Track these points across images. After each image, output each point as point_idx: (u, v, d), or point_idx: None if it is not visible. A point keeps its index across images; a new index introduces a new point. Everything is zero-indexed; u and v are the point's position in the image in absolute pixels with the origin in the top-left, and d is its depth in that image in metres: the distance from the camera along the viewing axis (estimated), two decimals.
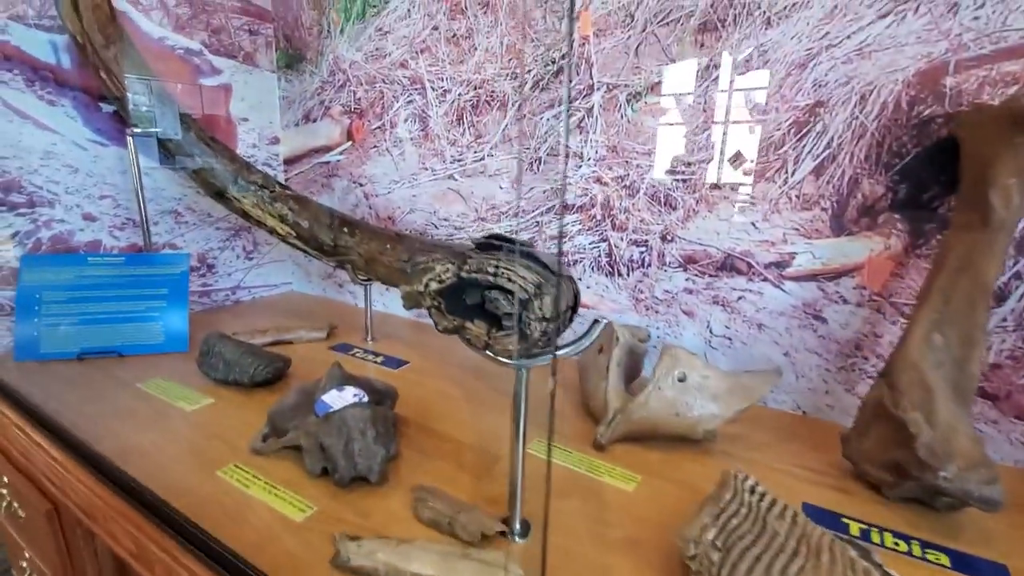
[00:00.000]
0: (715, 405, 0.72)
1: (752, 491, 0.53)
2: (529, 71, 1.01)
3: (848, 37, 0.74)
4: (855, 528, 0.60)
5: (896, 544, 0.58)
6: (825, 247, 0.81)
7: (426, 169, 1.19)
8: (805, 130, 0.79)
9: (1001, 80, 0.67)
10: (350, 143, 1.30)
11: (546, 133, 1.01)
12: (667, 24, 0.87)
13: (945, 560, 0.56)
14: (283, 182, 1.16)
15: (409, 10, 1.13)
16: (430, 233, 1.21)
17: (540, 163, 1.03)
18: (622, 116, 0.93)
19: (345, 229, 1.08)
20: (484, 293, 0.45)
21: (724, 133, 0.85)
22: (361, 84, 1.24)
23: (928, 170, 0.73)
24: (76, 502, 0.71)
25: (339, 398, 0.71)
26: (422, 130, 1.18)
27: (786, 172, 0.81)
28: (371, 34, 1.20)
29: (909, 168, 0.74)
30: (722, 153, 0.85)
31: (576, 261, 1.02)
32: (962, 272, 0.63)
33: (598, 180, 0.97)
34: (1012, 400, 0.71)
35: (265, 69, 1.36)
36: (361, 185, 1.31)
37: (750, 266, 0.86)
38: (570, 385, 0.96)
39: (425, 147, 1.18)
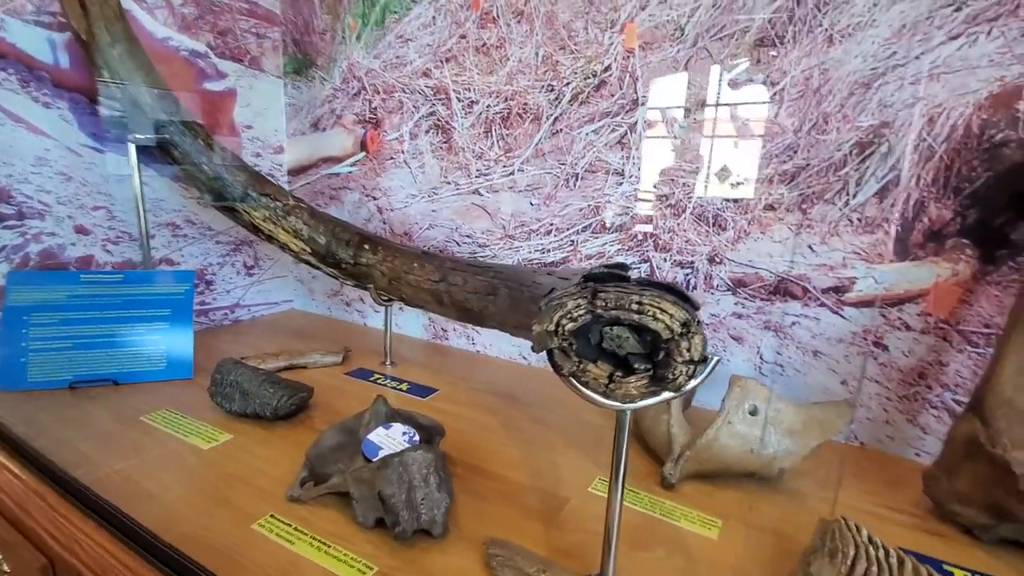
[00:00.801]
0: (790, 441, 0.68)
1: (873, 543, 0.49)
2: (567, 83, 0.97)
3: (917, 58, 0.72)
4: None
5: None
6: (888, 272, 0.78)
7: (449, 183, 1.13)
8: (869, 151, 0.76)
9: None
10: (364, 154, 1.23)
11: (584, 148, 0.97)
12: (721, 39, 0.84)
13: None
14: (295, 195, 1.08)
15: (435, 18, 1.08)
16: (451, 250, 1.15)
17: (577, 179, 0.99)
18: (669, 132, 0.90)
19: (366, 246, 1.01)
20: (603, 330, 0.39)
21: (778, 153, 0.82)
22: (378, 93, 1.18)
23: (1000, 195, 0.71)
24: (80, 558, 0.62)
25: (388, 437, 0.64)
26: (445, 142, 1.12)
27: (847, 194, 0.79)
28: (391, 41, 1.15)
29: (979, 193, 0.72)
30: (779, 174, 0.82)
31: None
32: None
33: (640, 198, 0.93)
34: None
35: (271, 74, 1.29)
36: (375, 198, 1.24)
37: (806, 290, 0.83)
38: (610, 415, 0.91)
39: (448, 160, 1.12)
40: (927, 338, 0.77)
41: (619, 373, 0.38)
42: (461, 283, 0.87)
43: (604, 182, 0.96)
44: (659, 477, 0.71)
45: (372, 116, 1.20)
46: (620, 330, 0.39)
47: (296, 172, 1.35)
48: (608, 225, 0.97)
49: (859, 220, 0.78)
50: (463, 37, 1.06)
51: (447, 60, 1.08)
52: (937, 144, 0.73)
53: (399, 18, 1.13)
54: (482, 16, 1.03)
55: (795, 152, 0.81)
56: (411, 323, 1.24)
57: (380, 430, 0.66)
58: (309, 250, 1.04)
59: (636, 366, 0.38)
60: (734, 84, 0.83)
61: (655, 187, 0.92)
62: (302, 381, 0.88)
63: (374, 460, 0.61)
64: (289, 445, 0.75)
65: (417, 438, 0.65)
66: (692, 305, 0.37)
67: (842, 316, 0.81)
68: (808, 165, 0.80)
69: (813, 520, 0.63)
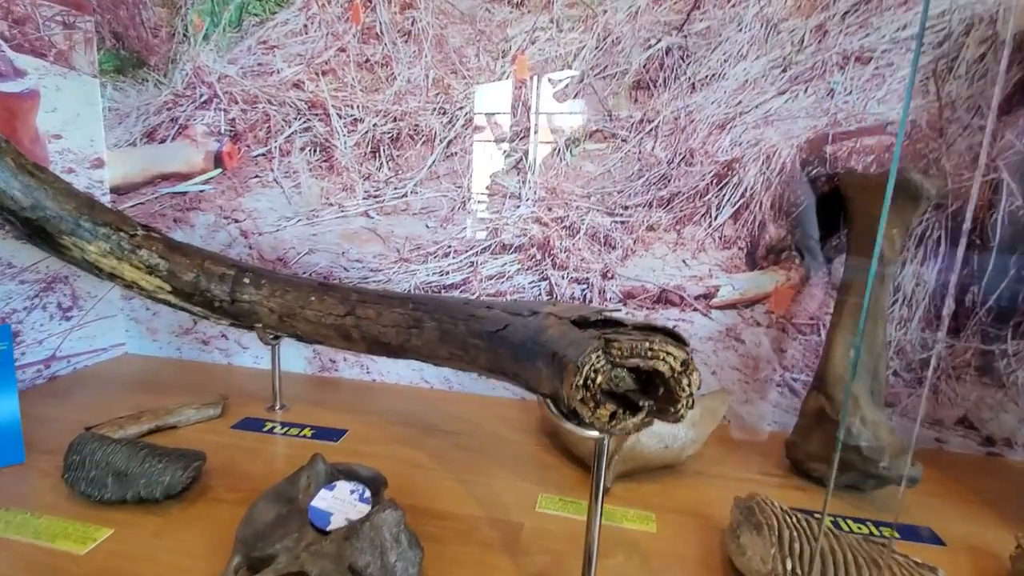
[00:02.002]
0: (693, 431, 0.80)
1: (787, 514, 0.61)
2: (460, 108, 0.97)
3: (756, 107, 0.89)
4: (828, 522, 0.73)
5: (860, 528, 0.71)
6: (742, 280, 0.95)
7: (332, 205, 1.06)
8: (724, 181, 0.92)
9: (863, 150, 0.88)
10: (220, 171, 1.08)
11: (480, 172, 0.99)
12: (604, 78, 0.92)
13: (895, 534, 0.71)
14: (147, 224, 0.91)
15: (307, 26, 1.00)
16: (337, 276, 1.08)
17: (473, 202, 1.00)
18: (561, 159, 0.96)
19: (246, 280, 0.90)
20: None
21: (658, 180, 0.94)
22: (236, 102, 1.05)
23: (815, 217, 0.91)
24: None
25: (336, 500, 0.59)
26: (325, 161, 1.04)
27: (710, 216, 0.94)
28: (251, 46, 1.02)
29: (802, 215, 0.91)
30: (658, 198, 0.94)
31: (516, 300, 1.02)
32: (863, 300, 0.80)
33: (538, 220, 0.99)
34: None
35: (84, 72, 1.06)
36: (237, 221, 1.10)
37: (682, 298, 0.97)
38: (530, 428, 0.95)
39: (331, 180, 1.05)
40: (771, 331, 0.96)
41: (623, 411, 0.42)
42: (374, 316, 0.83)
43: (502, 205, 1.00)
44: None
45: (230, 128, 1.06)
46: (619, 371, 0.43)
47: (123, 191, 1.13)
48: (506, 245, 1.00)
49: (720, 238, 0.94)
50: (342, 50, 0.99)
51: (323, 73, 1.01)
52: (773, 177, 0.91)
53: (260, 21, 1.01)
54: (364, 31, 0.98)
55: (669, 181, 0.94)
56: (291, 357, 1.13)
57: (324, 492, 0.60)
58: (169, 288, 0.89)
59: (640, 403, 0.42)
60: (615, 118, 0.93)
61: (550, 209, 0.98)
62: (191, 448, 0.75)
63: (329, 529, 0.56)
64: (197, 529, 0.64)
65: (368, 494, 0.61)
66: (685, 344, 0.43)
67: (710, 318, 0.97)
68: (680, 192, 0.94)
69: (722, 496, 0.76)
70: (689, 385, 0.41)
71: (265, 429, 0.90)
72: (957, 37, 0.83)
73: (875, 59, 0.85)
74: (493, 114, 0.97)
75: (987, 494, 0.81)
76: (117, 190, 1.12)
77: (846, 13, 0.85)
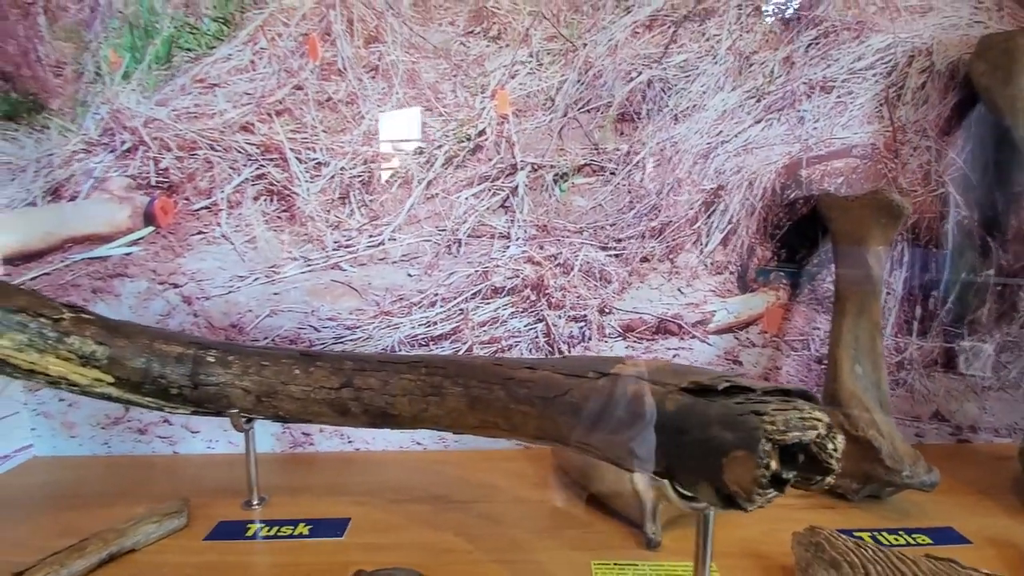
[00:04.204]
0: None
1: (856, 544, 0.60)
2: (439, 146, 0.91)
3: (736, 135, 0.92)
4: (866, 537, 0.74)
5: (896, 539, 0.73)
6: (736, 303, 0.96)
7: (295, 259, 0.94)
8: (712, 208, 0.93)
9: (833, 173, 0.93)
10: (151, 229, 0.92)
11: (465, 213, 0.93)
12: (588, 111, 0.91)
13: (928, 540, 0.73)
14: (71, 302, 0.75)
15: (254, 62, 0.88)
16: (306, 337, 0.96)
17: (460, 245, 0.93)
18: (550, 196, 0.93)
19: (211, 358, 0.76)
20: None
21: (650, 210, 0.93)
22: (169, 149, 0.90)
23: (797, 238, 0.95)
24: None
25: None
26: (285, 210, 0.92)
27: (701, 244, 0.94)
28: (185, 85, 0.89)
29: (785, 237, 0.95)
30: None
31: (511, 346, 0.96)
32: (861, 316, 0.84)
33: (529, 260, 0.94)
34: None
35: None
36: (176, 286, 0.94)
37: (680, 327, 0.97)
38: (548, 483, 0.89)
39: (292, 232, 0.93)
40: (767, 350, 0.98)
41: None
42: (378, 386, 0.73)
43: (490, 246, 0.94)
44: (638, 539, 0.73)
45: (162, 179, 0.91)
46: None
47: (21, 260, 0.92)
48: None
49: (712, 264, 0.95)
50: (299, 88, 0.89)
51: (278, 113, 0.89)
52: (756, 202, 0.93)
53: (195, 57, 0.88)
54: (323, 67, 0.88)
55: (659, 211, 0.93)
56: (257, 436, 0.98)
57: None
58: (111, 379, 0.73)
59: (784, 475, 0.38)
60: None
61: (542, 247, 0.94)
62: None
63: None
64: None
65: None
66: (817, 403, 0.40)
67: (708, 344, 0.97)
68: (670, 222, 0.94)
69: (768, 530, 0.74)
70: (835, 450, 0.38)
71: (249, 534, 0.75)
72: (902, 68, 0.91)
73: (836, 88, 0.91)
74: (474, 151, 0.91)
75: (977, 483, 0.88)
76: (11, 260, 0.92)
77: (808, 46, 0.90)
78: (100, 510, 0.80)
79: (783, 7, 0.89)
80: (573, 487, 0.86)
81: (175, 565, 0.69)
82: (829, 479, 0.39)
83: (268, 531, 0.76)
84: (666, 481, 0.43)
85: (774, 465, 0.35)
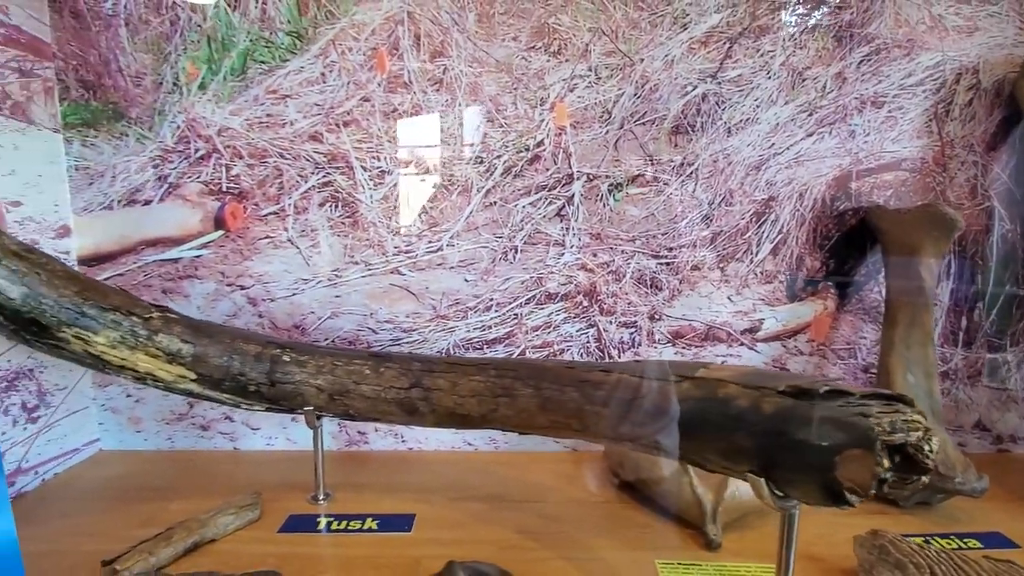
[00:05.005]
0: None
1: (918, 545, 0.62)
2: (499, 156, 0.94)
3: (788, 148, 0.94)
4: (920, 542, 0.75)
5: (949, 543, 0.75)
6: (784, 312, 0.98)
7: (357, 263, 0.97)
8: (763, 219, 0.96)
9: (882, 185, 0.95)
10: (221, 233, 0.96)
11: (522, 221, 0.96)
12: (643, 124, 0.93)
13: (979, 544, 0.75)
14: (158, 302, 0.78)
15: (324, 74, 0.92)
16: (365, 339, 0.99)
17: (516, 252, 0.96)
18: (604, 205, 0.95)
19: (287, 358, 0.80)
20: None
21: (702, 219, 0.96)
22: (241, 157, 0.94)
23: (845, 249, 0.97)
24: None
25: None
26: (348, 216, 0.96)
27: (751, 253, 0.97)
28: (258, 96, 0.92)
29: (834, 248, 0.97)
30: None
31: (563, 350, 0.99)
32: (912, 326, 0.86)
33: (583, 267, 0.97)
34: None
35: (45, 127, 0.90)
36: (243, 287, 0.98)
37: (729, 334, 0.99)
38: (600, 483, 0.91)
39: (354, 237, 0.96)
40: (813, 358, 1.00)
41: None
42: (447, 387, 0.76)
43: (545, 253, 0.97)
44: (698, 540, 0.75)
45: (233, 186, 0.95)
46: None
47: (96, 261, 0.96)
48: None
49: (761, 273, 0.97)
50: (366, 100, 0.92)
51: (345, 124, 0.93)
52: (806, 213, 0.96)
53: (269, 69, 0.92)
54: (390, 79, 0.92)
55: (711, 221, 0.96)
56: (311, 434, 1.01)
57: None
58: (193, 376, 0.76)
59: (883, 475, 0.41)
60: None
61: (595, 255, 0.97)
62: (262, 568, 0.64)
63: None
64: None
65: None
66: (915, 406, 0.42)
67: (756, 351, 0.99)
68: (722, 231, 0.96)
69: (823, 533, 0.76)
70: (931, 451, 0.41)
71: (319, 528, 0.78)
72: (950, 85, 0.94)
73: (887, 103, 0.93)
74: (532, 161, 0.94)
75: (1020, 491, 0.89)
76: (87, 261, 0.96)
77: (860, 62, 0.92)
78: (172, 502, 0.84)
79: (836, 24, 0.91)
80: (626, 488, 0.89)
81: (255, 555, 0.72)
82: (925, 479, 0.41)
83: (338, 525, 0.79)
84: (762, 480, 0.45)
85: (886, 463, 0.37)
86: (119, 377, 0.74)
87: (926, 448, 0.41)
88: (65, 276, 0.70)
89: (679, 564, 0.71)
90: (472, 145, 0.94)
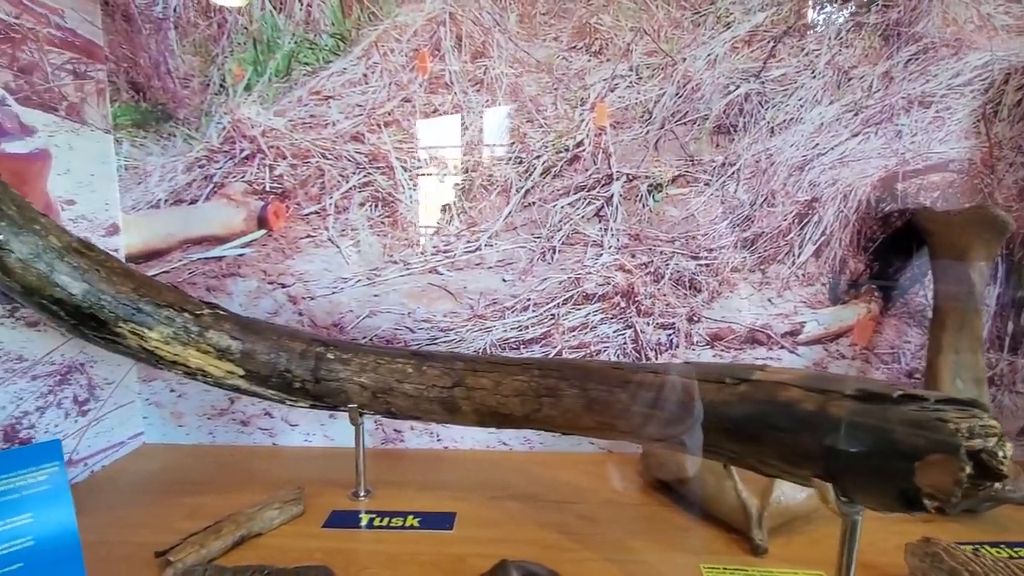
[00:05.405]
0: None
1: (974, 554, 0.61)
2: (538, 156, 0.94)
3: (832, 148, 0.93)
4: (971, 550, 0.74)
5: (999, 552, 0.73)
6: (826, 315, 0.97)
7: (395, 263, 0.98)
8: (805, 220, 0.95)
9: (929, 187, 0.93)
10: (264, 232, 0.97)
11: (560, 221, 0.96)
12: (684, 124, 0.93)
13: None
14: (215, 299, 0.80)
15: (366, 76, 0.93)
16: (403, 339, 1.00)
17: (554, 252, 0.96)
18: (643, 206, 0.95)
19: (331, 356, 0.81)
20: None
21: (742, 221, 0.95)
22: (284, 157, 0.95)
23: (890, 251, 0.95)
24: None
25: None
26: (388, 216, 0.97)
27: (793, 255, 0.95)
28: (302, 97, 0.94)
29: (878, 250, 0.95)
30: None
31: (599, 351, 0.98)
32: (961, 331, 0.84)
33: (621, 268, 0.96)
34: None
35: (97, 128, 0.92)
36: (284, 286, 0.99)
37: (769, 337, 0.98)
38: (637, 485, 0.91)
39: (394, 237, 0.97)
40: (856, 362, 0.98)
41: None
42: (490, 386, 0.77)
43: (583, 254, 0.96)
44: (742, 545, 0.74)
45: (276, 185, 0.96)
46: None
47: (143, 258, 0.98)
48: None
49: (803, 275, 0.96)
50: (407, 101, 0.93)
51: (386, 124, 0.94)
52: (850, 214, 0.94)
53: (313, 71, 0.93)
54: (431, 80, 0.93)
55: (752, 222, 0.95)
56: (348, 430, 1.02)
57: None
58: (242, 372, 0.78)
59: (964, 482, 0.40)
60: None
61: (634, 256, 0.96)
62: (309, 563, 0.65)
63: None
64: None
65: None
66: (989, 412, 0.41)
67: (797, 355, 0.98)
68: (763, 233, 0.95)
69: (871, 541, 0.75)
70: (1005, 456, 0.40)
71: (363, 524, 0.79)
72: (999, 85, 0.91)
73: (935, 103, 0.91)
74: (571, 161, 0.94)
75: None
76: (134, 259, 0.98)
77: (908, 61, 0.90)
78: (215, 496, 0.85)
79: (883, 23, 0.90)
80: (664, 490, 0.88)
81: (301, 550, 0.73)
82: (999, 484, 0.40)
83: (380, 521, 0.80)
84: (829, 485, 0.45)
85: (968, 469, 0.37)
86: (171, 372, 0.76)
87: (1000, 454, 0.40)
88: (122, 273, 0.72)
89: (725, 569, 0.70)
90: (512, 145, 0.94)
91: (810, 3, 0.89)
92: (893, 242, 0.95)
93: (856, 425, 0.42)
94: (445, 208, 0.96)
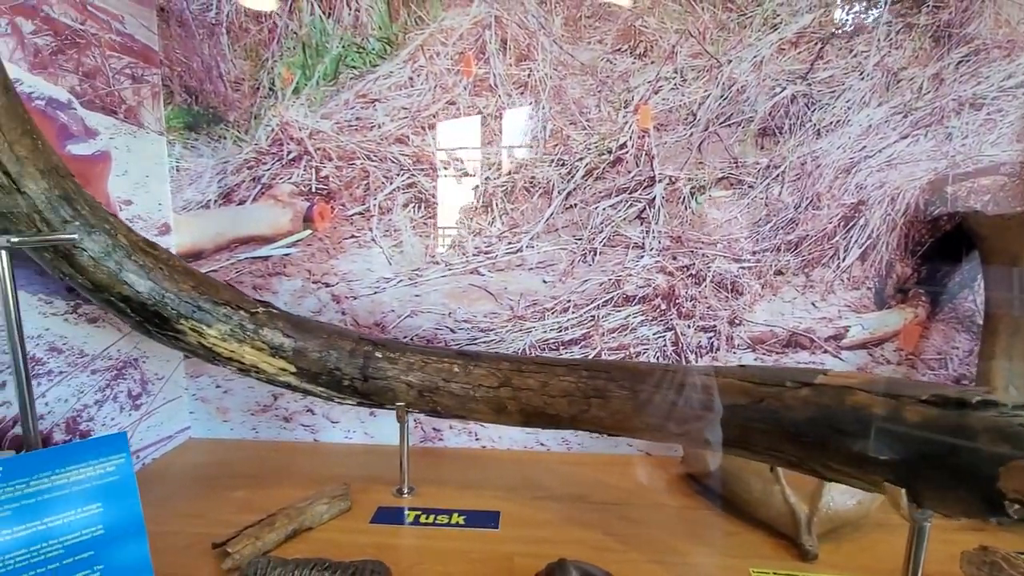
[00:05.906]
0: None
1: None
2: (580, 159, 0.94)
3: (880, 151, 0.92)
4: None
5: None
6: (871, 319, 0.96)
7: (437, 263, 0.99)
8: (851, 223, 0.93)
9: (979, 190, 0.91)
10: (309, 232, 0.99)
11: (602, 223, 0.96)
12: (729, 126, 0.92)
13: None
14: (260, 298, 0.82)
15: (412, 79, 0.94)
16: (442, 338, 1.01)
17: (595, 254, 0.97)
18: (686, 208, 0.95)
19: (379, 354, 0.82)
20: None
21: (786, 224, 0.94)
22: (330, 159, 0.97)
23: (939, 255, 0.94)
24: None
25: None
26: (431, 217, 0.98)
27: (838, 258, 0.94)
28: (349, 100, 0.96)
29: (927, 254, 0.94)
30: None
31: (639, 353, 0.98)
32: (1015, 337, 0.82)
33: (662, 270, 0.96)
34: None
35: (152, 130, 0.95)
36: (328, 285, 1.01)
37: (812, 341, 0.97)
38: (680, 489, 0.90)
39: (435, 237, 0.98)
40: (901, 368, 0.97)
41: None
42: (537, 387, 0.77)
43: (624, 256, 0.97)
44: (790, 551, 0.73)
45: (322, 187, 0.98)
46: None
47: (192, 257, 1.01)
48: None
49: (848, 279, 0.95)
50: (452, 103, 0.94)
51: (431, 127, 0.95)
52: (897, 218, 0.93)
53: (360, 74, 0.95)
54: (476, 83, 0.94)
55: (796, 224, 0.94)
56: (387, 428, 1.04)
57: None
58: (293, 369, 0.79)
59: None
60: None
61: (675, 258, 0.96)
62: (361, 557, 0.66)
63: None
64: None
65: None
66: None
67: (840, 359, 0.97)
68: (807, 236, 0.94)
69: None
70: None
71: (410, 521, 0.80)
72: None
73: (986, 105, 0.90)
74: (614, 163, 0.94)
75: None
76: (184, 258, 1.00)
77: (959, 63, 0.89)
78: (264, 490, 0.87)
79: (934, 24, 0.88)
80: (706, 494, 0.88)
81: (352, 545, 0.74)
82: None
83: (426, 518, 0.81)
84: (901, 491, 0.44)
85: None
86: (226, 368, 0.78)
87: None
88: (183, 271, 0.74)
89: (775, 574, 0.69)
90: (555, 147, 0.95)
91: (860, 5, 0.88)
92: (942, 246, 0.93)
93: (933, 431, 0.42)
94: (487, 209, 0.97)
